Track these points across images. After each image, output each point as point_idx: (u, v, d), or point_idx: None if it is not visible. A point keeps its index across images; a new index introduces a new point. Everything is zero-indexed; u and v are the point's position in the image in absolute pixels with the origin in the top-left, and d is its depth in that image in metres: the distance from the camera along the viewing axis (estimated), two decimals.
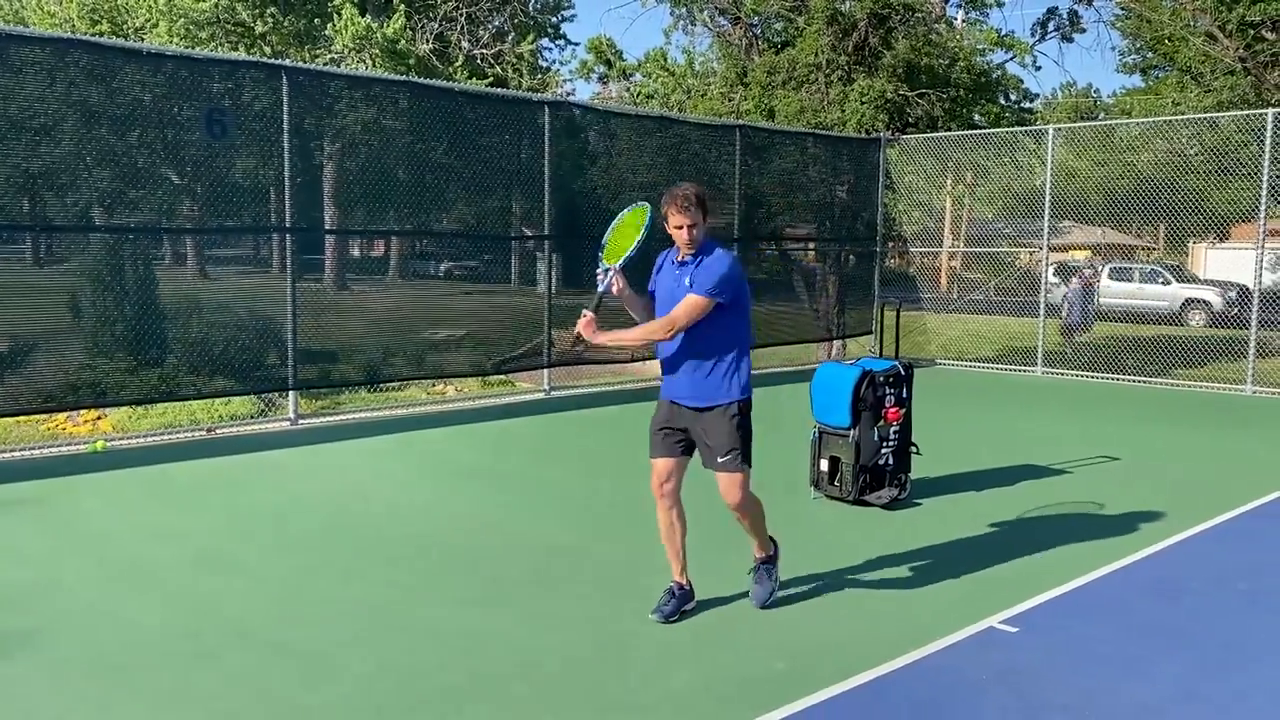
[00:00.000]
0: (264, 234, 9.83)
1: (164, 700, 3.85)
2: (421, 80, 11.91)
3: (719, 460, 4.53)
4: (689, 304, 4.42)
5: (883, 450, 6.66)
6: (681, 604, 4.66)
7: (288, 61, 9.93)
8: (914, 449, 6.89)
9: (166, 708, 3.79)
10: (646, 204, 4.70)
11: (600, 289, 4.59)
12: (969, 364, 15.13)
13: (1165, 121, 18.20)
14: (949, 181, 17.42)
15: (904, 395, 6.78)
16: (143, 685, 3.98)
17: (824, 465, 6.83)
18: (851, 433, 6.63)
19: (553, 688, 3.99)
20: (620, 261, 4.57)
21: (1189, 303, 25.81)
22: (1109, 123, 19.03)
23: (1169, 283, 26.84)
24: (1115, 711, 3.81)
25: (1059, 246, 36.74)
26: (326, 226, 10.88)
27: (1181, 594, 5.12)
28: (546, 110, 11.29)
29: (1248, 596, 5.08)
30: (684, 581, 4.71)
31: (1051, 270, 29.68)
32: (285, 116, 9.21)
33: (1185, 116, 20.78)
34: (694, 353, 4.51)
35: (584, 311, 4.50)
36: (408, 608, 4.86)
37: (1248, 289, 14.03)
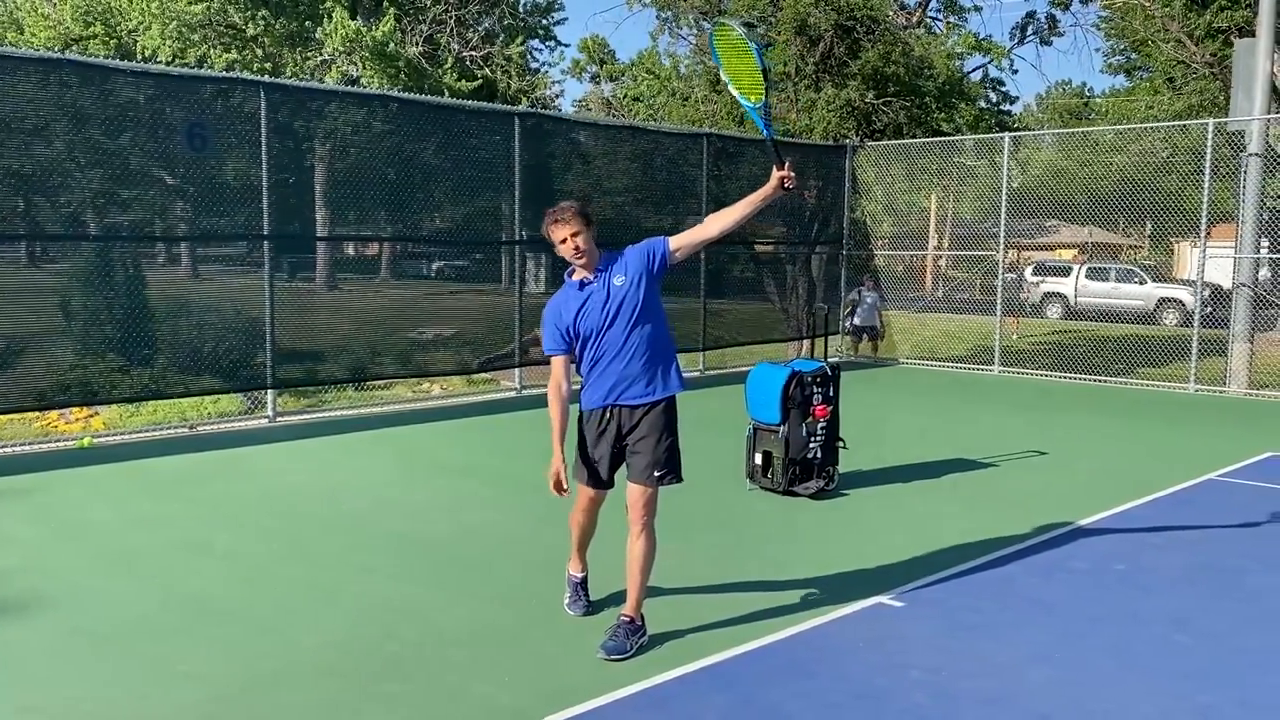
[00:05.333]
0: (241, 240, 10.28)
1: (138, 665, 4.37)
2: (393, 94, 12.44)
3: (654, 475, 4.48)
4: (689, 233, 4.58)
5: (810, 445, 7.19)
6: (588, 591, 4.98)
7: (265, 78, 10.42)
8: (841, 444, 7.41)
9: (140, 671, 4.32)
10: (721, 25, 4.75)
11: (769, 133, 4.62)
12: (936, 363, 15.67)
13: (1124, 128, 18.75)
14: (925, 185, 17.91)
15: (830, 394, 7.31)
16: (120, 653, 4.50)
17: (758, 459, 7.37)
18: (781, 428, 7.16)
19: (484, 656, 4.49)
20: (765, 97, 4.62)
21: (1163, 302, 26.29)
22: (1064, 131, 19.53)
23: (1144, 282, 27.30)
24: (970, 669, 4.34)
25: (1045, 246, 37.29)
26: (313, 230, 11.44)
27: (1062, 573, 5.65)
28: (516, 121, 11.81)
29: (1121, 575, 5.62)
30: (584, 570, 4.97)
31: (1030, 269, 30.26)
32: (263, 128, 9.71)
33: (1136, 125, 21.28)
34: (648, 340, 4.47)
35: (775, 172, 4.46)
36: (361, 586, 5.39)
37: (1221, 288, 14.53)
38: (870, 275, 16.24)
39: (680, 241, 4.59)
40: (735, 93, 4.84)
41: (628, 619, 4.52)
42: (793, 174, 4.50)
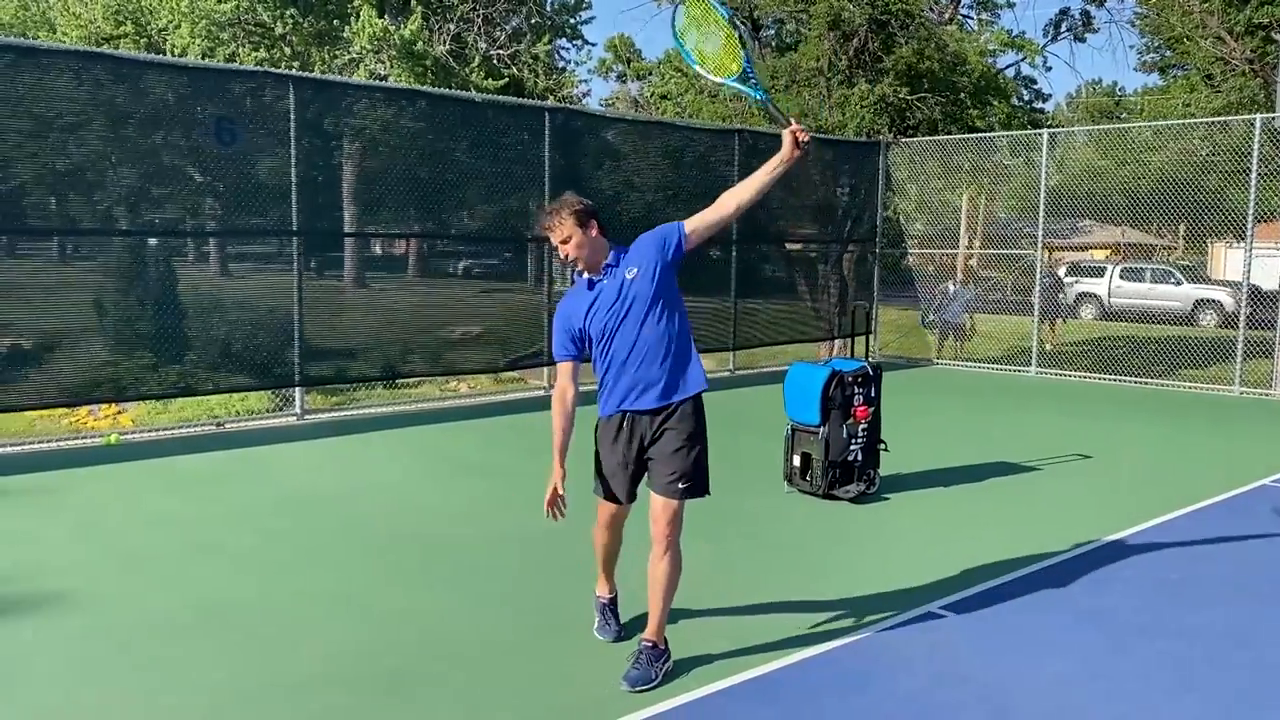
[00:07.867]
0: (270, 237, 10.15)
1: (138, 669, 4.25)
2: (424, 88, 12.30)
3: (680, 487, 4.10)
4: (704, 214, 4.20)
5: (851, 447, 6.97)
6: (617, 614, 4.64)
7: (294, 71, 10.30)
8: (882, 446, 7.19)
9: (140, 674, 4.19)
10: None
11: (763, 97, 4.42)
12: (973, 364, 15.38)
13: (1165, 124, 18.38)
14: (960, 182, 17.62)
15: (872, 394, 7.08)
16: (121, 655, 4.38)
17: (796, 461, 7.15)
18: (821, 430, 6.94)
19: (491, 673, 4.25)
20: (746, 59, 4.35)
21: (1200, 303, 25.79)
22: (1104, 127, 19.18)
23: (1181, 283, 26.80)
24: (1026, 685, 4.12)
25: (1079, 246, 36.78)
26: (344, 227, 11.34)
27: (1113, 582, 5.41)
28: (547, 116, 11.65)
29: (1174, 585, 5.38)
30: (612, 591, 4.65)
31: (1064, 269, 29.83)
32: (292, 124, 9.60)
33: (1179, 122, 20.88)
34: (663, 338, 4.12)
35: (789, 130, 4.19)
36: (371, 594, 5.19)
37: (1260, 289, 14.18)
38: (969, 271, 15.96)
39: (696, 224, 4.18)
40: (710, 75, 4.55)
41: (650, 644, 4.15)
42: (803, 127, 4.20)
